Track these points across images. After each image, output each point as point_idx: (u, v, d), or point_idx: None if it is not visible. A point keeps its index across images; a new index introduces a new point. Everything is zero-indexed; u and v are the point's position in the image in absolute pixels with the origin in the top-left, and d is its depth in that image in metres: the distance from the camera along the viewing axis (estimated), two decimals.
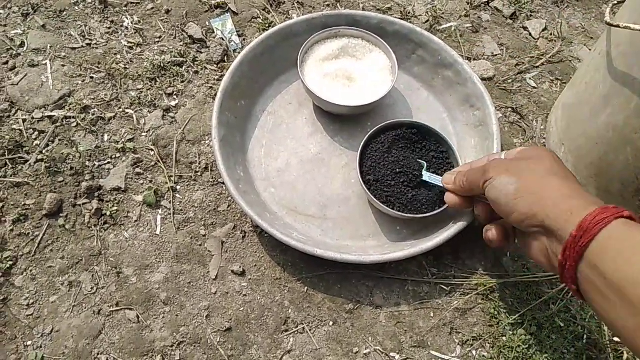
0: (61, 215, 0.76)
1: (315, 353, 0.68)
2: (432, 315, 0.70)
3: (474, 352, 0.68)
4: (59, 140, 0.82)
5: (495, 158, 0.62)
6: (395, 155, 0.74)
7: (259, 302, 0.71)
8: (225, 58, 0.92)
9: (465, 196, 0.64)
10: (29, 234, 0.75)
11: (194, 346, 0.68)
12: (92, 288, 0.72)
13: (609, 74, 0.67)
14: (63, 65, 0.90)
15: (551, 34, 0.97)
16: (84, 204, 0.77)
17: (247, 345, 0.68)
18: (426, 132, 0.77)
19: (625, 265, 0.40)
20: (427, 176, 0.71)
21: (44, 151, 0.80)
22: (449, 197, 0.66)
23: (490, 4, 1.00)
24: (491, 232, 0.60)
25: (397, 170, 0.73)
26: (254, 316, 0.70)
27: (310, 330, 0.69)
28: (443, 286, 0.72)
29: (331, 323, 0.70)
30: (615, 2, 0.70)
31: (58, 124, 0.83)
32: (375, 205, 0.72)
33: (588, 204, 0.47)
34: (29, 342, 0.67)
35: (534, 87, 0.90)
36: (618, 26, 0.60)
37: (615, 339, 0.67)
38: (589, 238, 0.43)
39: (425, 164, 0.72)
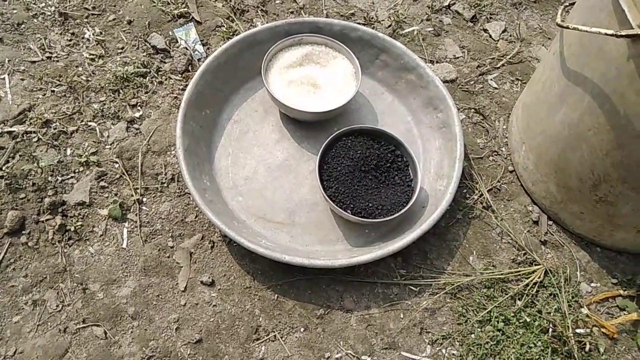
0: (23, 232, 0.75)
1: None
2: (402, 316, 0.71)
3: (443, 350, 0.69)
4: (20, 155, 0.80)
5: None
6: (352, 164, 0.75)
7: (229, 312, 0.70)
8: (190, 67, 0.92)
9: None
10: None
11: None
12: (57, 306, 0.70)
13: (563, 74, 0.69)
14: (22, 79, 0.88)
15: (510, 36, 0.99)
16: (47, 220, 0.76)
17: (218, 356, 0.68)
18: (379, 136, 0.78)
19: None
20: None
21: (3, 167, 0.78)
22: None
23: (451, 8, 1.02)
24: None
25: (357, 178, 0.73)
26: (224, 326, 0.69)
27: (281, 337, 0.69)
28: (412, 287, 0.73)
29: (302, 329, 0.70)
30: (567, 4, 0.72)
31: (18, 139, 0.81)
32: (342, 216, 0.73)
33: None
34: None
35: (495, 88, 0.92)
36: (568, 27, 0.62)
37: (578, 330, 0.69)
38: None
39: None
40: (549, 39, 1.00)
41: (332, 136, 0.76)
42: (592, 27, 0.58)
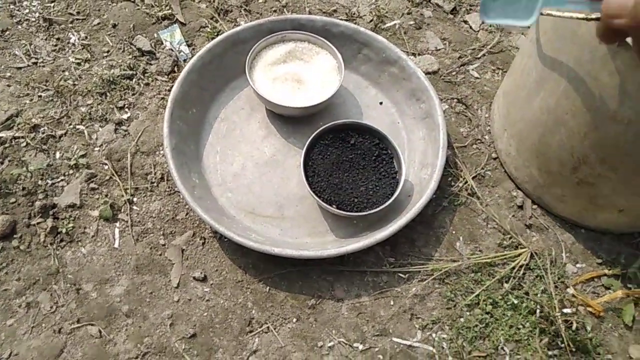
0: (15, 236, 0.75)
1: (281, 351, 0.69)
2: (392, 303, 0.72)
3: (433, 335, 0.70)
4: (9, 161, 0.81)
5: None
6: (337, 159, 0.76)
7: (222, 306, 0.71)
8: (176, 68, 0.92)
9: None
10: None
11: (159, 355, 0.68)
12: (51, 307, 0.71)
13: (539, 60, 0.70)
14: (9, 85, 0.88)
15: (490, 26, 1.01)
16: (38, 223, 0.76)
17: (213, 350, 0.68)
18: (363, 130, 0.79)
19: None
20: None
21: None
22: (602, 32, 0.43)
23: (431, 1, 1.04)
24: None
25: (342, 172, 0.75)
26: (217, 320, 0.70)
27: (274, 328, 0.70)
28: (401, 274, 0.74)
29: (295, 320, 0.71)
30: None
31: (6, 145, 0.82)
32: (329, 210, 0.74)
33: None
34: None
35: (477, 78, 0.94)
36: (542, 14, 0.63)
37: (565, 310, 0.71)
38: None
39: None
40: (529, 27, 1.02)
41: (316, 132, 0.77)
42: (564, 12, 0.59)
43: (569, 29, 0.63)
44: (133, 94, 0.90)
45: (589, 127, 0.65)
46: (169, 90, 0.90)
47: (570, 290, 0.73)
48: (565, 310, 0.71)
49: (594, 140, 0.66)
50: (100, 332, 0.69)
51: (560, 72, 0.66)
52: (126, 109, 0.88)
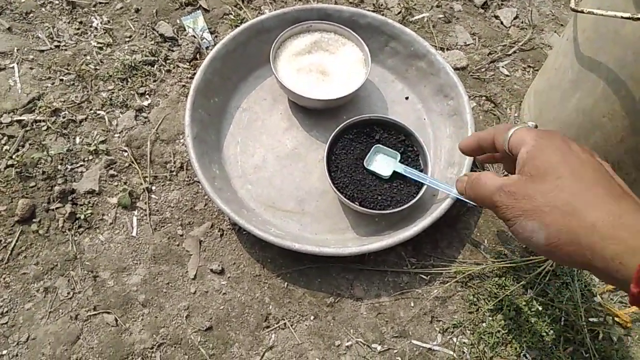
0: (34, 220, 0.75)
1: (297, 348, 0.68)
2: (412, 304, 0.71)
3: (454, 339, 0.68)
4: (29, 144, 0.80)
5: (505, 182, 0.45)
6: (361, 155, 0.74)
7: (239, 300, 0.70)
8: (198, 55, 0.91)
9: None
10: (1, 240, 0.73)
11: (175, 347, 0.67)
12: (68, 293, 0.70)
13: (576, 60, 0.67)
14: (31, 68, 0.88)
15: (522, 22, 0.98)
16: (57, 208, 0.76)
17: (229, 344, 0.68)
18: (389, 125, 0.77)
19: None
20: (401, 168, 0.72)
21: (14, 156, 0.78)
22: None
23: None
24: None
25: (366, 170, 0.73)
26: (234, 314, 0.69)
27: (291, 325, 0.69)
28: (422, 275, 0.73)
29: (312, 317, 0.69)
30: None
31: (28, 128, 0.81)
32: (351, 207, 0.72)
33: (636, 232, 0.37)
34: (4, 351, 0.66)
35: (507, 75, 0.91)
36: (582, 11, 0.60)
37: (591, 319, 0.69)
38: None
39: (399, 155, 0.73)
40: (562, 25, 0.98)
41: (340, 126, 0.75)
42: (607, 10, 0.57)
43: (611, 28, 0.60)
44: (154, 81, 0.88)
45: (626, 131, 0.62)
46: (190, 78, 0.89)
47: (597, 299, 0.71)
48: (591, 320, 0.68)
49: (631, 145, 0.63)
50: (116, 320, 0.69)
51: (599, 72, 0.63)
52: (147, 96, 0.87)
